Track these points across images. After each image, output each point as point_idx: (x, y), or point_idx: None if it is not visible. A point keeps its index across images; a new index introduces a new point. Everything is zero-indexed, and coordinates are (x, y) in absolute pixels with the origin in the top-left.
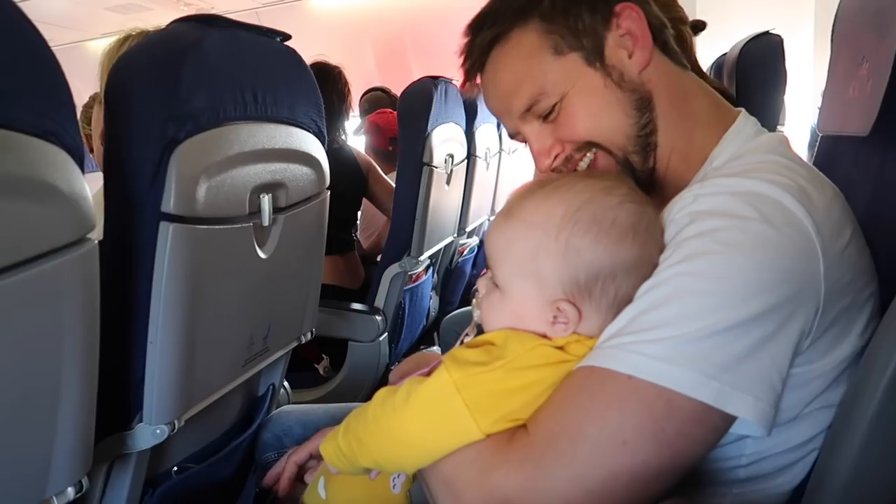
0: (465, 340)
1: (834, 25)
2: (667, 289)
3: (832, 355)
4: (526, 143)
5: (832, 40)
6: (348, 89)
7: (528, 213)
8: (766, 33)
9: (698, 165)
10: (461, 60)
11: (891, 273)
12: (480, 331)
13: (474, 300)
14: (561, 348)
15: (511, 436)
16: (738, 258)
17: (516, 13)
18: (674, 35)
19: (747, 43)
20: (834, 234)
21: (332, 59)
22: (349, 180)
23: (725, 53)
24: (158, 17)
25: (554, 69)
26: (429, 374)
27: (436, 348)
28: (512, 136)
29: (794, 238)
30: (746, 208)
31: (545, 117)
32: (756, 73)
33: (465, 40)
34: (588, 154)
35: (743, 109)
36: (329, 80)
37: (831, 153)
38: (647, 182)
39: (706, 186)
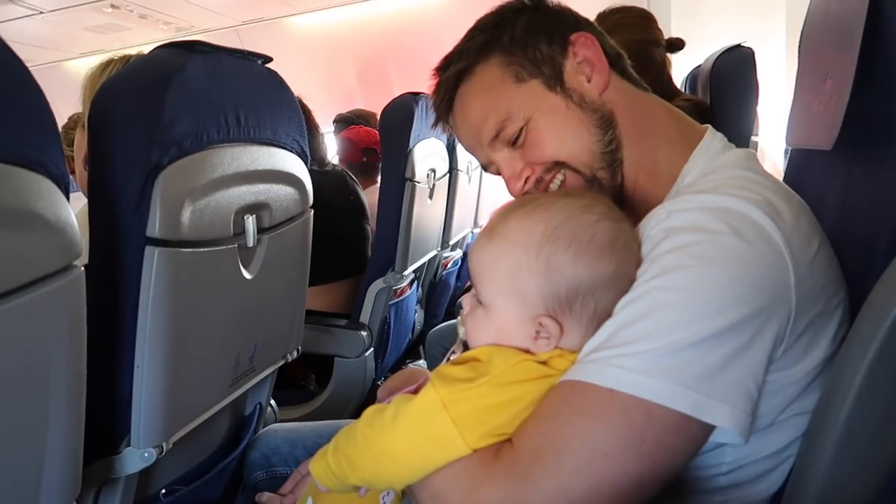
0: (452, 357)
1: (801, 40)
2: (644, 303)
3: (805, 362)
4: (499, 174)
5: (799, 54)
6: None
7: (510, 231)
8: (738, 46)
9: (668, 182)
10: (431, 100)
11: (859, 281)
12: (466, 347)
13: (459, 317)
14: (544, 363)
15: (497, 450)
16: (711, 272)
17: (479, 49)
18: (640, 58)
19: (720, 56)
20: (802, 244)
21: (314, 76)
22: (344, 197)
23: (699, 66)
24: (138, 37)
25: (517, 96)
26: (416, 391)
27: (422, 362)
28: (485, 168)
29: (764, 251)
30: (718, 223)
31: (513, 143)
32: (729, 85)
33: (434, 80)
34: (558, 175)
35: (710, 126)
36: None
37: (802, 165)
38: (617, 199)
39: (679, 203)
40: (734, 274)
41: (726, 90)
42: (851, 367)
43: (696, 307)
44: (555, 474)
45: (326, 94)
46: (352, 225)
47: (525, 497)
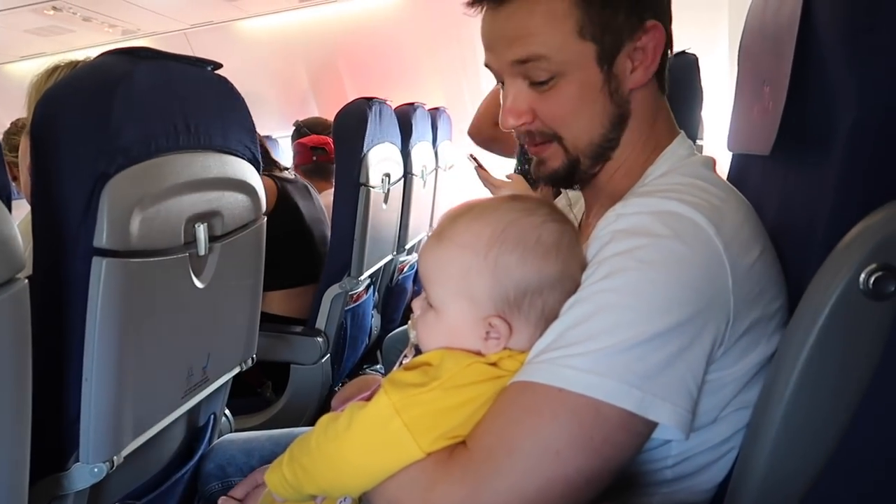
0: (404, 362)
1: (740, 48)
2: (590, 305)
3: (744, 361)
4: (498, 83)
5: (738, 61)
6: None
7: (458, 234)
8: (683, 53)
9: (636, 180)
10: None
11: (797, 280)
12: (418, 351)
13: (410, 321)
14: (494, 364)
15: (451, 452)
16: (653, 275)
17: None
18: None
19: None
20: (742, 250)
21: (266, 80)
22: (308, 205)
23: None
24: (82, 40)
25: (568, 48)
26: (369, 398)
27: (380, 367)
28: (488, 66)
29: (703, 254)
30: (661, 227)
31: (534, 82)
32: (674, 90)
33: None
34: (549, 149)
35: (682, 132)
36: None
37: (742, 169)
38: (585, 182)
39: (627, 206)
40: (675, 277)
41: (672, 95)
42: (790, 361)
43: (639, 309)
44: (508, 473)
45: (280, 98)
46: (317, 232)
47: (479, 496)
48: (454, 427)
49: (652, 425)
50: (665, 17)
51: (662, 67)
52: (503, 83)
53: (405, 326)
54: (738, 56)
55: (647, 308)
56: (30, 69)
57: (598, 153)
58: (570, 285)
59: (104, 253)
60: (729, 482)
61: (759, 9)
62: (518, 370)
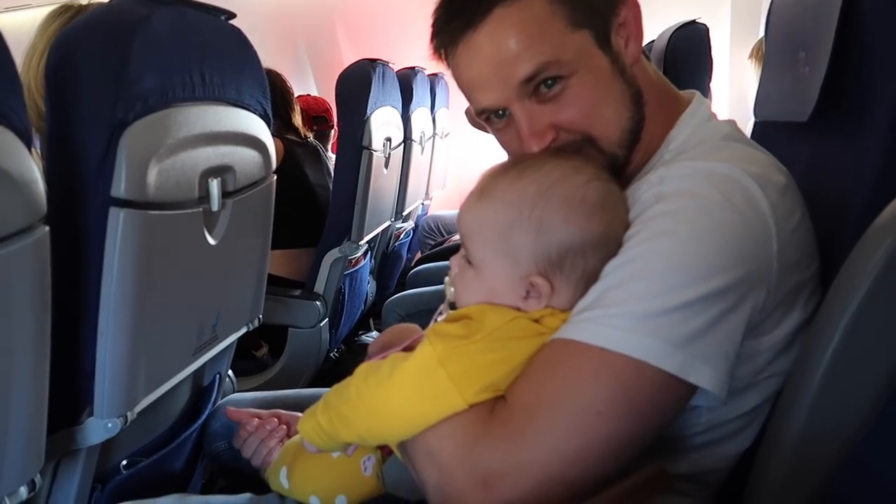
0: (439, 319)
1: (769, 14)
2: (635, 265)
3: (779, 329)
4: (497, 119)
5: (766, 28)
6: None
7: (502, 191)
8: (693, 22)
9: (652, 149)
10: (440, 17)
11: (829, 246)
12: (453, 308)
13: (447, 278)
14: (537, 321)
15: (492, 408)
16: (700, 237)
17: None
18: None
19: (675, 32)
20: (786, 215)
21: (259, 44)
22: (318, 169)
23: (652, 41)
24: None
25: (570, 42)
26: (408, 349)
27: (374, 333)
28: (482, 114)
29: (751, 220)
30: (710, 190)
31: (542, 95)
32: (683, 61)
33: None
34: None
35: (697, 93)
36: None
37: (766, 136)
38: (618, 171)
39: (673, 168)
40: (722, 241)
41: (682, 66)
42: (830, 327)
43: (684, 272)
44: (549, 432)
45: (275, 64)
46: (322, 197)
47: (520, 454)
48: (497, 381)
49: (692, 388)
50: None
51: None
52: (506, 114)
53: (405, 292)
54: (767, 22)
55: (692, 271)
56: (14, 22)
57: (631, 139)
58: (614, 246)
59: (122, 203)
60: (755, 449)
61: None
62: (559, 328)
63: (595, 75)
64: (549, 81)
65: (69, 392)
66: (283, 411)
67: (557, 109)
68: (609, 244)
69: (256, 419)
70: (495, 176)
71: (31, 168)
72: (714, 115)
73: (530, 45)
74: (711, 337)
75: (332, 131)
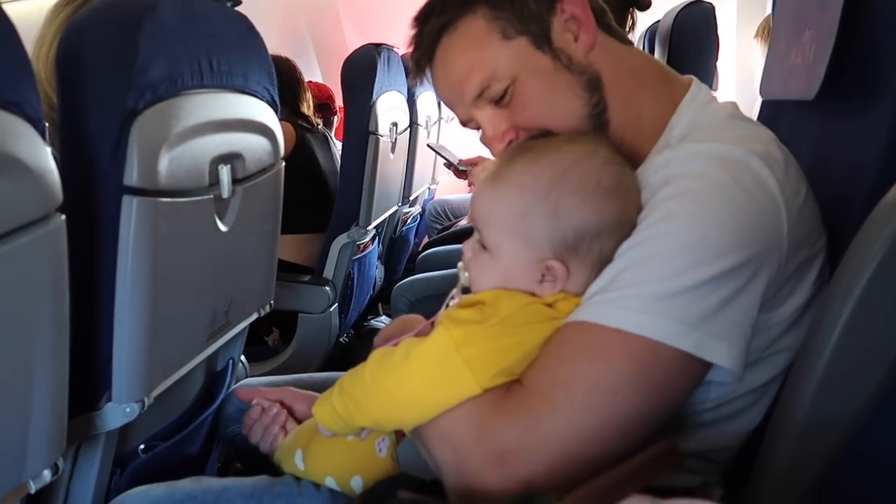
0: (451, 304)
1: None
2: (647, 247)
3: (789, 303)
4: (479, 129)
5: (773, 7)
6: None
7: (517, 174)
8: (699, 1)
9: (654, 136)
10: (410, 52)
11: (836, 221)
12: (466, 292)
13: (460, 263)
14: (550, 305)
15: (507, 390)
16: (712, 218)
17: (463, 2)
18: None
19: (681, 11)
20: (793, 192)
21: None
22: (328, 157)
23: (657, 21)
24: None
25: (503, 53)
26: (419, 335)
27: (383, 318)
28: (464, 124)
29: (760, 198)
30: (719, 171)
31: (498, 102)
32: (691, 40)
33: (413, 31)
34: None
35: (694, 78)
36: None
37: (773, 117)
38: None
39: (679, 150)
40: (732, 220)
41: (688, 45)
42: (839, 303)
43: (696, 252)
44: (565, 411)
45: (278, 48)
46: (331, 183)
47: (536, 434)
48: (511, 365)
49: (707, 366)
50: None
51: (604, 21)
52: (476, 122)
53: (414, 277)
54: (773, 1)
55: (705, 251)
56: (22, 11)
57: (593, 123)
58: (628, 229)
59: (135, 192)
60: (764, 426)
61: None
62: (572, 312)
63: (537, 76)
64: (500, 89)
65: (87, 378)
66: (294, 389)
67: (513, 112)
68: (623, 228)
69: (260, 407)
70: (511, 159)
71: (47, 157)
72: (714, 98)
73: (472, 65)
74: (726, 314)
75: (336, 118)
